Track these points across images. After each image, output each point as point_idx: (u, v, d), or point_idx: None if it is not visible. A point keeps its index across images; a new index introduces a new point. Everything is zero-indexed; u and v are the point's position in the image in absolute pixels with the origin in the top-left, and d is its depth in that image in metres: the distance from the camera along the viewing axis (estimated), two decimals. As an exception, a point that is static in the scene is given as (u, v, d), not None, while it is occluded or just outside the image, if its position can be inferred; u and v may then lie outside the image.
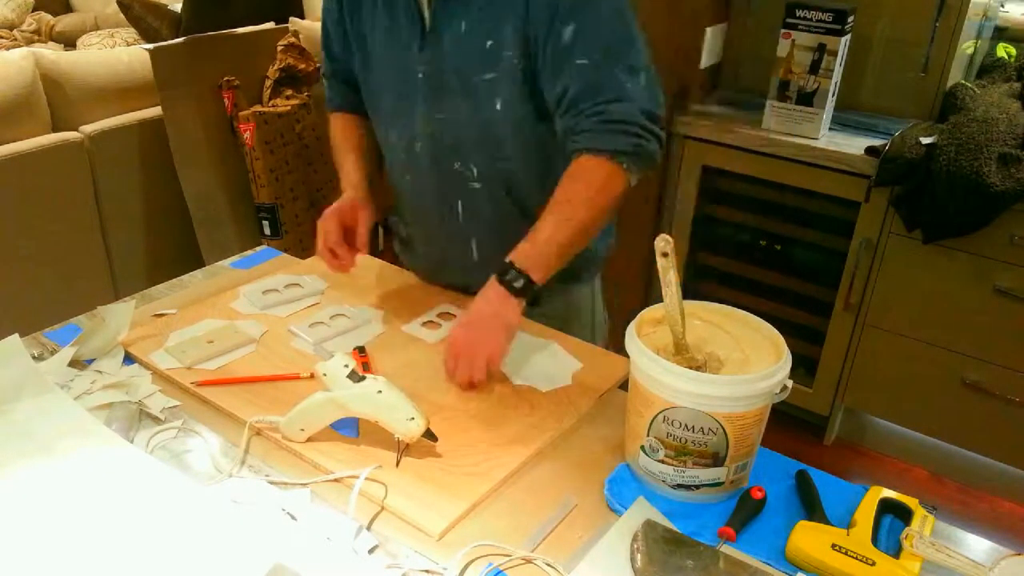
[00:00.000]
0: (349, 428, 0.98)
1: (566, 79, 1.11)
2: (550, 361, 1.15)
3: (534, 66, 1.13)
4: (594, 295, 1.41)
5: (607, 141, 1.10)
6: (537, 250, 1.08)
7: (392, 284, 1.34)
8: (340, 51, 1.35)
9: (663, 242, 0.87)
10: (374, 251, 1.35)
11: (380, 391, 0.92)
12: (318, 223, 1.29)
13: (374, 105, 1.30)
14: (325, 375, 0.94)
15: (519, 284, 1.07)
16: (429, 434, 0.93)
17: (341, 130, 1.40)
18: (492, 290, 1.08)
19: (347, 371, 0.93)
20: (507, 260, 1.08)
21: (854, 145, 2.09)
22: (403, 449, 0.95)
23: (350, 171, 1.34)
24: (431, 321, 1.24)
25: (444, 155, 1.23)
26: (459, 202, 1.26)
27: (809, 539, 0.82)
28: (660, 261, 0.88)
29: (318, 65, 2.93)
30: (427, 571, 0.81)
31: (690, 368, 0.88)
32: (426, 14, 1.16)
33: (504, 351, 1.06)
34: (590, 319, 1.40)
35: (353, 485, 0.89)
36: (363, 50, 1.26)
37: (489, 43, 1.13)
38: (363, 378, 0.93)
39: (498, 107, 1.16)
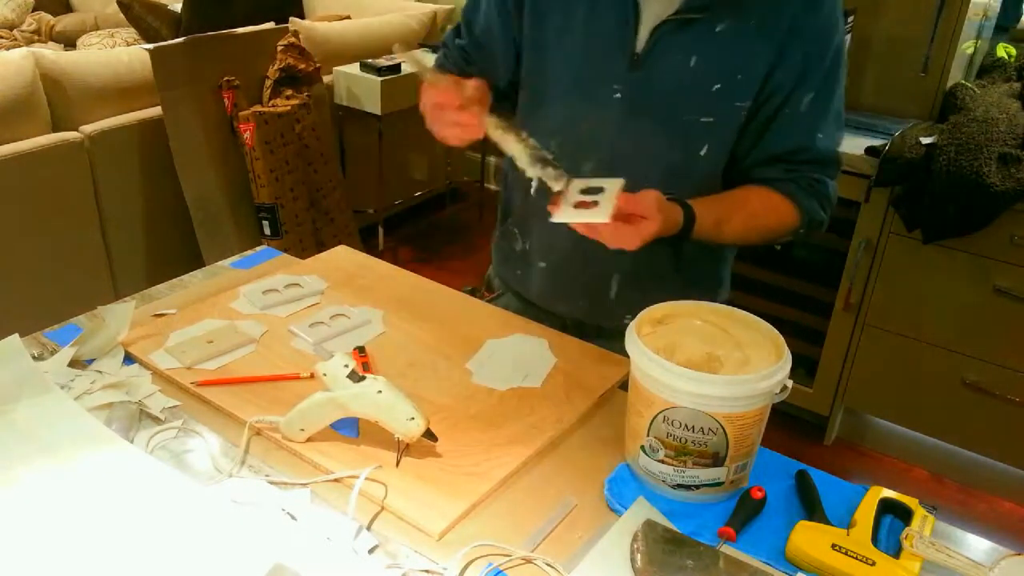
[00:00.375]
0: (349, 428, 0.98)
1: (795, 143, 1.13)
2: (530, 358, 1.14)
3: (753, 117, 1.11)
4: None
5: (811, 206, 1.15)
6: (713, 229, 1.10)
7: (392, 284, 1.34)
8: (484, 28, 1.21)
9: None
10: (374, 251, 1.34)
11: (380, 391, 0.92)
12: (426, 91, 1.07)
13: (535, 104, 1.19)
14: (325, 375, 0.94)
15: (685, 228, 1.07)
16: (429, 434, 0.93)
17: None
18: (673, 208, 1.05)
19: (347, 371, 0.93)
20: (694, 210, 1.07)
21: (854, 145, 2.09)
22: (403, 449, 0.94)
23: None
24: None
25: None
26: None
27: (809, 539, 0.82)
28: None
29: (318, 65, 2.93)
30: (427, 571, 0.81)
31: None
32: (642, 35, 1.08)
33: (640, 244, 1.01)
34: None
35: (353, 485, 0.89)
36: (538, 40, 1.15)
37: (717, 86, 1.08)
38: (363, 378, 0.93)
39: (703, 152, 1.12)
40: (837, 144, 1.16)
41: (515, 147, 1.02)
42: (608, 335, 1.23)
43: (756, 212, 1.14)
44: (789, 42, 1.06)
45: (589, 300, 1.25)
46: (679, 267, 1.21)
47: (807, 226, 1.17)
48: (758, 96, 1.09)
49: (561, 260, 1.26)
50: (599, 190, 1.00)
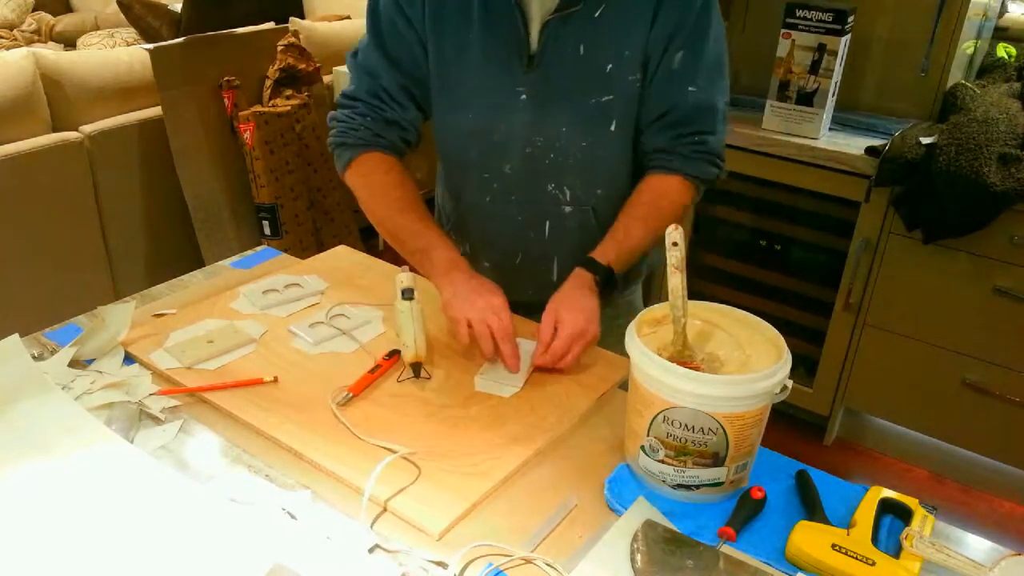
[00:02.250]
0: None
1: (670, 101, 1.18)
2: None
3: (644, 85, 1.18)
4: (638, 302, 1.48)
5: (699, 169, 1.22)
6: (626, 255, 1.19)
7: (392, 284, 1.34)
8: (415, 49, 1.21)
9: (676, 232, 0.92)
10: (374, 251, 1.34)
11: (402, 312, 1.11)
12: (477, 310, 1.09)
13: (451, 124, 1.25)
14: (396, 280, 1.15)
15: (606, 280, 1.16)
16: (417, 368, 1.07)
17: (396, 186, 1.25)
18: (581, 281, 1.15)
19: (403, 286, 1.14)
20: (601, 262, 1.16)
21: (854, 145, 2.10)
22: (403, 372, 1.08)
23: (449, 245, 1.19)
24: None
25: (538, 178, 1.23)
26: (547, 223, 1.27)
27: (809, 539, 0.82)
28: (670, 251, 0.92)
29: (318, 65, 2.93)
30: (427, 571, 0.81)
31: (687, 365, 0.88)
32: (533, 36, 1.15)
33: (595, 334, 1.11)
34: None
35: (353, 485, 0.89)
36: (441, 57, 1.20)
37: (610, 66, 1.15)
38: (409, 298, 1.12)
39: (612, 128, 1.20)
40: (716, 94, 1.20)
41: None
42: None
43: (651, 213, 1.21)
44: (659, 8, 1.14)
45: (536, 285, 1.29)
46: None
47: (704, 185, 1.25)
48: (646, 63, 1.17)
49: (502, 256, 1.32)
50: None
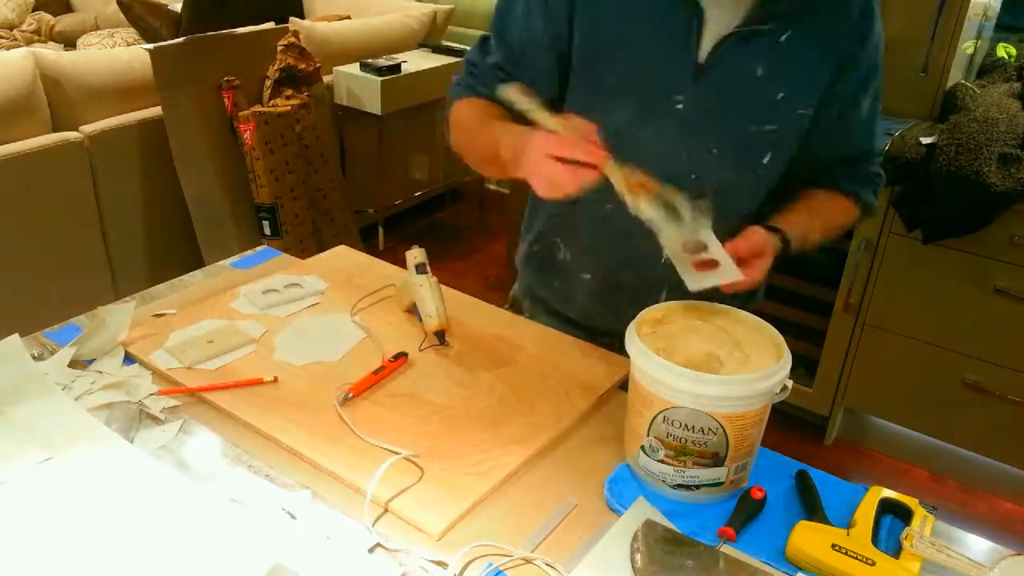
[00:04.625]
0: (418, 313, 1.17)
1: (857, 148, 1.18)
2: None
3: (816, 123, 1.12)
4: None
5: (868, 198, 1.21)
6: (801, 241, 1.11)
7: (393, 284, 1.34)
8: (539, 43, 1.14)
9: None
10: (374, 251, 1.34)
11: (420, 286, 1.17)
12: (566, 141, 0.95)
13: (591, 114, 1.10)
14: (407, 256, 1.21)
15: (783, 250, 1.08)
16: (440, 335, 1.15)
17: (482, 107, 1.16)
18: (772, 236, 1.07)
19: (416, 262, 1.19)
20: (783, 231, 1.08)
21: (854, 145, 2.09)
22: (425, 340, 1.16)
23: (517, 129, 1.05)
24: None
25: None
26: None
27: (809, 539, 0.82)
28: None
29: (318, 65, 2.93)
30: (427, 571, 0.81)
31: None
32: (705, 45, 1.06)
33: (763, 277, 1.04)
34: None
35: (353, 485, 0.89)
36: (592, 45, 1.11)
37: (781, 95, 1.08)
38: (422, 272, 1.18)
39: (765, 160, 1.13)
40: (881, 135, 1.23)
41: (642, 196, 0.99)
42: None
43: (829, 218, 1.19)
44: (852, 49, 1.08)
45: (633, 311, 1.15)
46: None
47: (863, 214, 1.24)
48: (820, 102, 1.10)
49: (608, 268, 1.22)
50: (702, 245, 1.01)
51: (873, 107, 1.16)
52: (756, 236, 1.03)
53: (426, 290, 1.16)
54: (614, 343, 1.16)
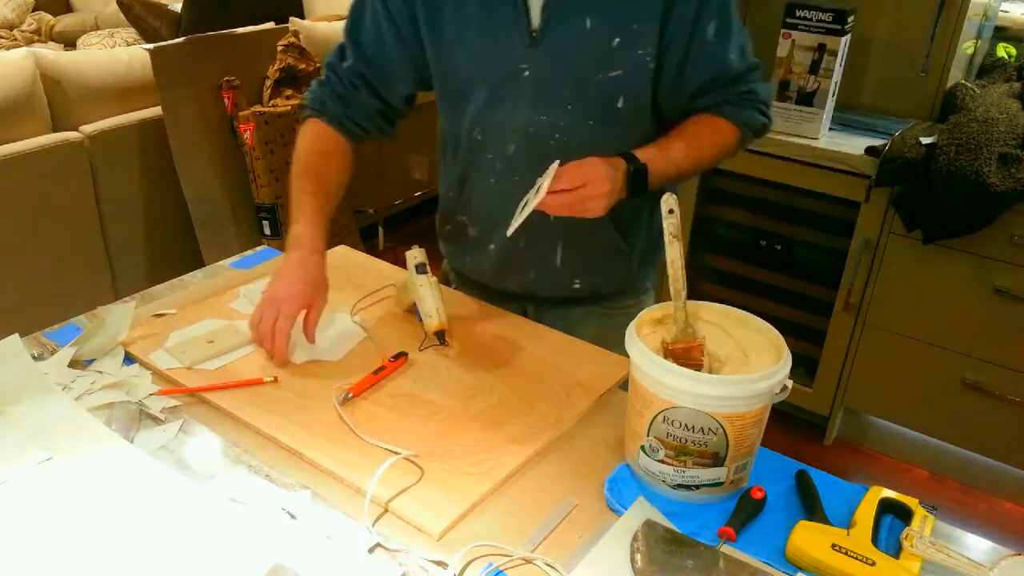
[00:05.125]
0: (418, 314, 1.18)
1: (710, 72, 1.16)
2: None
3: (663, 59, 1.14)
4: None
5: (748, 116, 1.20)
6: (664, 165, 1.13)
7: (393, 284, 1.34)
8: (389, 43, 1.22)
9: (671, 199, 0.92)
10: (374, 251, 1.34)
11: (421, 286, 1.16)
12: (267, 294, 1.10)
13: (453, 102, 1.23)
14: (407, 257, 1.19)
15: (638, 170, 1.10)
16: (440, 335, 1.14)
17: (319, 153, 1.24)
18: (617, 166, 1.08)
19: (416, 262, 1.18)
20: (639, 158, 1.11)
21: (854, 145, 2.10)
22: (425, 340, 1.16)
23: (313, 223, 1.16)
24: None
25: (542, 157, 1.16)
26: None
27: (809, 539, 0.82)
28: (666, 218, 0.92)
29: (318, 65, 2.93)
30: (427, 571, 0.81)
31: (690, 344, 0.91)
32: (535, 11, 1.12)
33: (605, 206, 1.06)
34: None
35: (353, 485, 0.89)
36: (439, 43, 1.19)
37: (617, 40, 1.12)
38: (423, 273, 1.17)
39: (620, 104, 1.16)
40: (748, 53, 1.20)
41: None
42: (563, 304, 1.30)
43: (699, 139, 1.18)
44: None
45: (537, 271, 1.29)
46: (621, 231, 1.26)
47: (752, 133, 1.23)
48: (660, 39, 1.13)
49: (506, 238, 1.23)
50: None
51: (720, 28, 1.14)
52: (586, 163, 1.06)
53: (426, 290, 1.16)
54: (525, 307, 1.34)
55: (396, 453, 0.93)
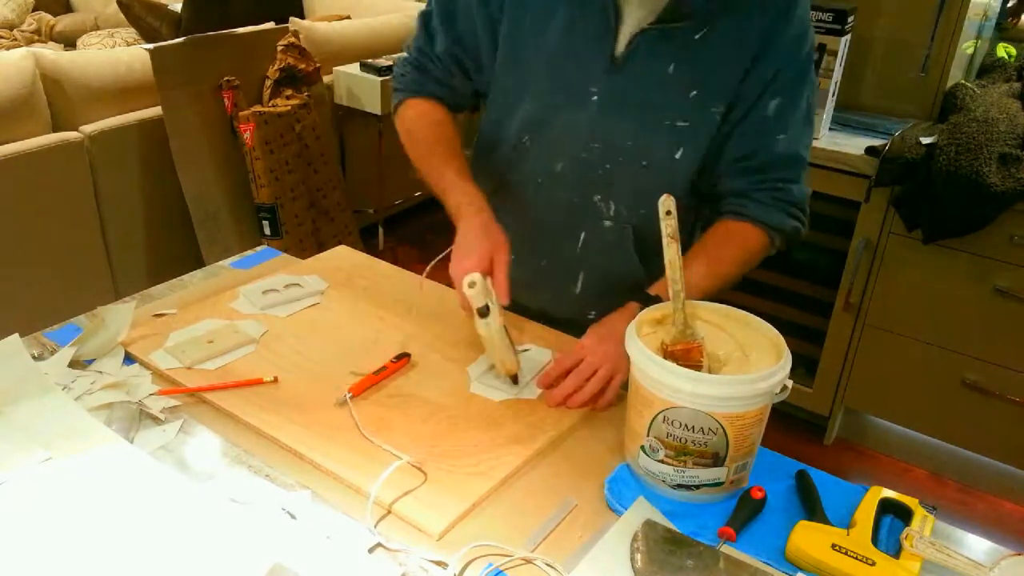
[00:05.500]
0: None
1: (755, 146, 1.13)
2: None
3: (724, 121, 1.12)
4: None
5: (777, 220, 1.15)
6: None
7: (392, 284, 1.34)
8: (478, 24, 1.19)
9: (669, 200, 0.91)
10: (374, 251, 1.33)
11: (484, 337, 1.04)
12: (452, 273, 1.05)
13: (509, 100, 1.20)
14: (467, 297, 1.02)
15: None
16: (515, 378, 1.07)
17: (435, 124, 1.24)
18: (631, 316, 1.03)
19: (477, 305, 1.02)
20: (653, 294, 1.07)
21: (854, 145, 2.10)
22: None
23: (464, 185, 1.14)
24: None
25: (588, 184, 1.18)
26: (583, 234, 1.21)
27: (809, 539, 0.82)
28: (664, 219, 0.91)
29: (318, 65, 2.93)
30: (427, 571, 0.81)
31: (688, 344, 0.91)
32: (623, 39, 1.10)
33: (627, 376, 1.02)
34: None
35: (353, 485, 0.89)
36: (516, 32, 1.16)
37: (694, 92, 1.10)
38: (485, 313, 1.02)
39: (677, 156, 1.14)
40: (804, 147, 1.16)
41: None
42: (577, 326, 1.23)
43: (721, 254, 1.14)
44: (762, 49, 1.09)
45: (554, 295, 1.27)
46: (648, 271, 1.21)
47: (781, 239, 1.17)
48: (732, 101, 1.11)
49: (529, 255, 1.25)
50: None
51: (784, 108, 1.11)
52: (578, 350, 1.05)
53: (488, 341, 1.04)
54: (532, 317, 1.27)
55: (399, 458, 0.93)
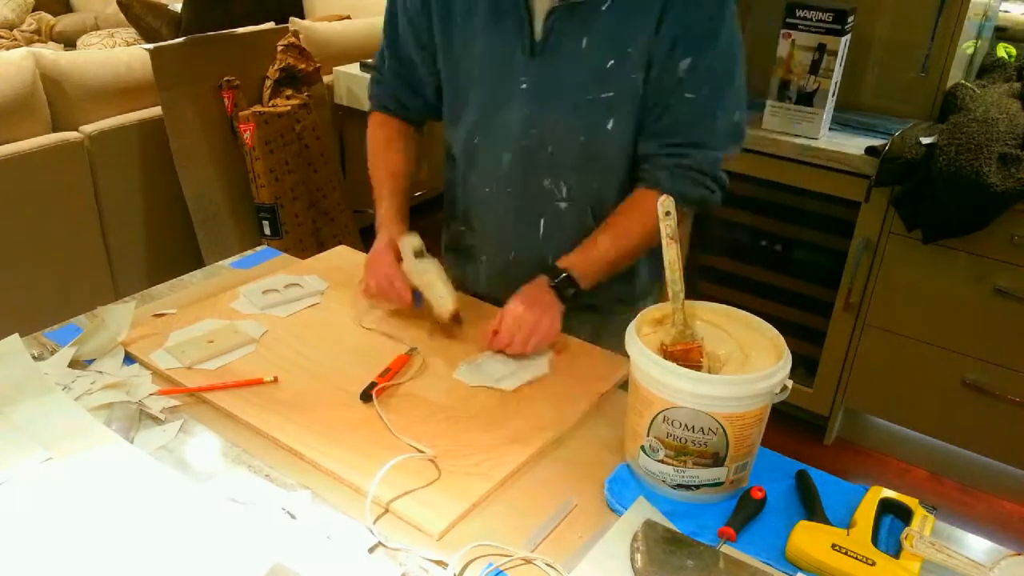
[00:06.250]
0: (417, 300, 1.19)
1: (663, 107, 1.15)
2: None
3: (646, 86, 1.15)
4: None
5: (681, 187, 1.15)
6: (590, 263, 1.17)
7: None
8: (412, 49, 1.28)
9: (668, 201, 0.91)
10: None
11: (426, 272, 1.15)
12: (367, 263, 1.23)
13: (455, 109, 1.27)
14: (402, 245, 1.19)
15: (570, 292, 1.16)
16: (456, 318, 1.15)
17: (384, 141, 1.36)
18: (544, 288, 1.15)
19: (414, 248, 1.18)
20: (560, 266, 1.16)
21: (854, 145, 2.09)
22: (440, 325, 1.17)
23: (388, 202, 1.30)
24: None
25: (535, 170, 1.21)
26: (542, 219, 1.25)
27: (809, 539, 0.82)
28: (663, 220, 0.91)
29: (318, 65, 2.93)
30: (427, 571, 0.81)
31: (687, 345, 0.91)
32: (538, 26, 1.14)
33: (557, 334, 1.14)
34: None
35: (353, 485, 0.89)
36: (448, 47, 1.22)
37: (611, 62, 1.12)
38: (422, 258, 1.17)
39: (609, 126, 1.17)
40: (718, 106, 1.14)
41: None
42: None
43: (626, 227, 1.18)
44: (666, 9, 1.10)
45: (524, 283, 1.27)
46: None
47: (688, 206, 1.17)
48: (649, 63, 1.13)
49: (497, 249, 1.32)
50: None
51: (695, 68, 1.11)
52: (506, 318, 1.12)
53: (432, 275, 1.15)
54: None
55: (421, 452, 0.93)
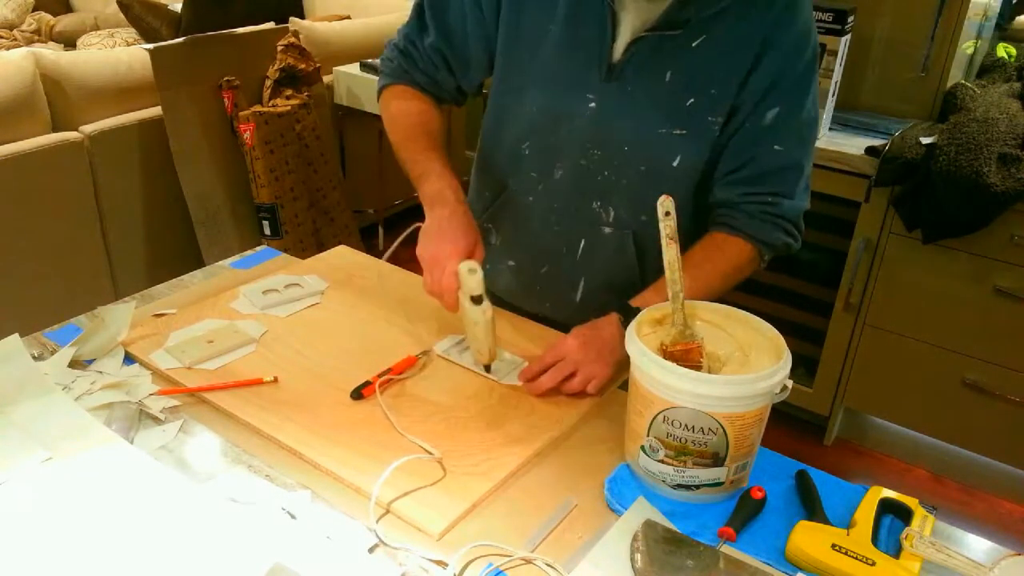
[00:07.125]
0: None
1: (749, 157, 1.11)
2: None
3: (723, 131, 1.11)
4: None
5: (766, 234, 1.13)
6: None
7: (392, 284, 1.34)
8: (459, 28, 1.19)
9: (668, 201, 0.90)
10: (374, 251, 1.33)
11: (476, 323, 1.04)
12: (428, 255, 1.07)
13: (511, 109, 1.20)
14: (460, 276, 1.02)
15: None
16: (488, 368, 1.09)
17: (418, 111, 1.23)
18: (615, 326, 1.08)
19: (472, 293, 1.02)
20: (634, 306, 1.06)
21: (854, 145, 2.10)
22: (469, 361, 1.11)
23: (446, 174, 1.15)
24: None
25: (586, 190, 1.16)
26: (582, 240, 1.21)
27: (809, 539, 0.82)
28: (663, 220, 0.90)
29: (318, 65, 2.93)
30: (427, 571, 0.81)
31: (687, 345, 0.91)
32: (619, 46, 1.08)
33: (606, 382, 1.06)
34: None
35: (353, 485, 0.89)
36: (513, 39, 1.15)
37: (691, 100, 1.08)
38: (479, 302, 1.03)
39: (675, 163, 1.12)
40: (803, 158, 1.13)
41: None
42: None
43: (705, 269, 1.12)
44: (761, 57, 1.06)
45: (554, 301, 1.26)
46: (646, 280, 1.19)
47: (771, 252, 1.16)
48: (731, 110, 1.10)
49: (529, 261, 1.27)
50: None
51: (782, 118, 1.09)
52: (562, 346, 1.06)
53: (480, 328, 1.05)
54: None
55: (429, 452, 0.93)
